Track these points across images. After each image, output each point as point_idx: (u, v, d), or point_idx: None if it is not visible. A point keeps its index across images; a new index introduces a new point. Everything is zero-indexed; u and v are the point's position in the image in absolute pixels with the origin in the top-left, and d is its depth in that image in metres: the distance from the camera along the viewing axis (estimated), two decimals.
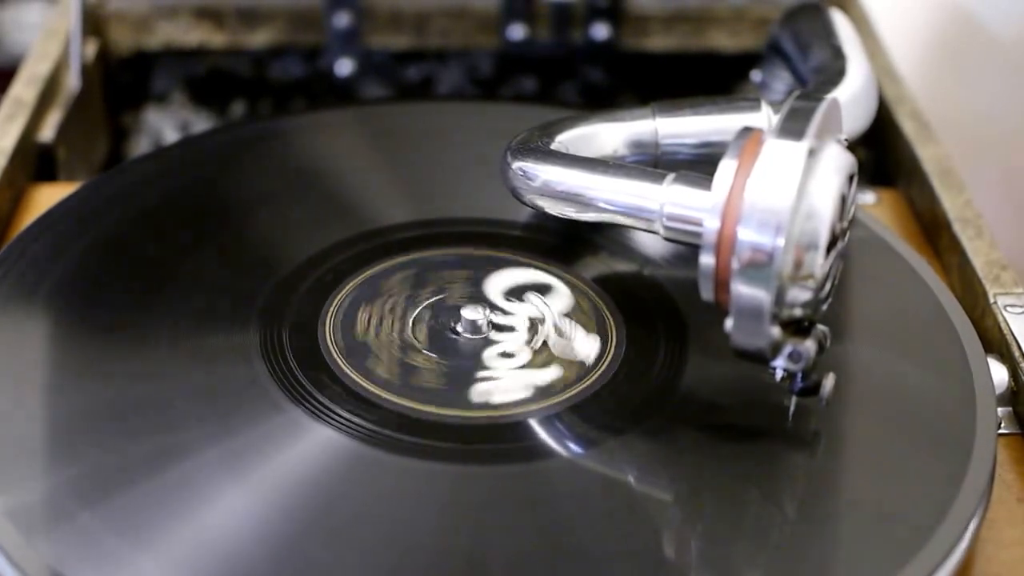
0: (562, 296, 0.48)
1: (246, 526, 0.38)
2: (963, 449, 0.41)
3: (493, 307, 0.47)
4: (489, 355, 0.45)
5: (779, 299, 0.39)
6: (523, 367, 0.44)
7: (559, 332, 0.46)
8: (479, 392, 0.43)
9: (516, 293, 0.48)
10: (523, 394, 0.43)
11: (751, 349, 0.40)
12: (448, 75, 0.73)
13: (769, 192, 0.38)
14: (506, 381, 0.44)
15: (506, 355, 0.45)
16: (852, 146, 0.57)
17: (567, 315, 0.47)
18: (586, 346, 0.45)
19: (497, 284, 0.48)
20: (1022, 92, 0.75)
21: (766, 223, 0.38)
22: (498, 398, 0.43)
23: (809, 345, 0.40)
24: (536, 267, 0.49)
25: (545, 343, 0.45)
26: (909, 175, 0.59)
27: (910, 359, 0.46)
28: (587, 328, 0.46)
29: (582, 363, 0.45)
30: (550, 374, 0.44)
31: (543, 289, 0.48)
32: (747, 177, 0.39)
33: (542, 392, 0.43)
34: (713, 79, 0.73)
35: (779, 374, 0.41)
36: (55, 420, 0.41)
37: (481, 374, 0.44)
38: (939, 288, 0.49)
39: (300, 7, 0.71)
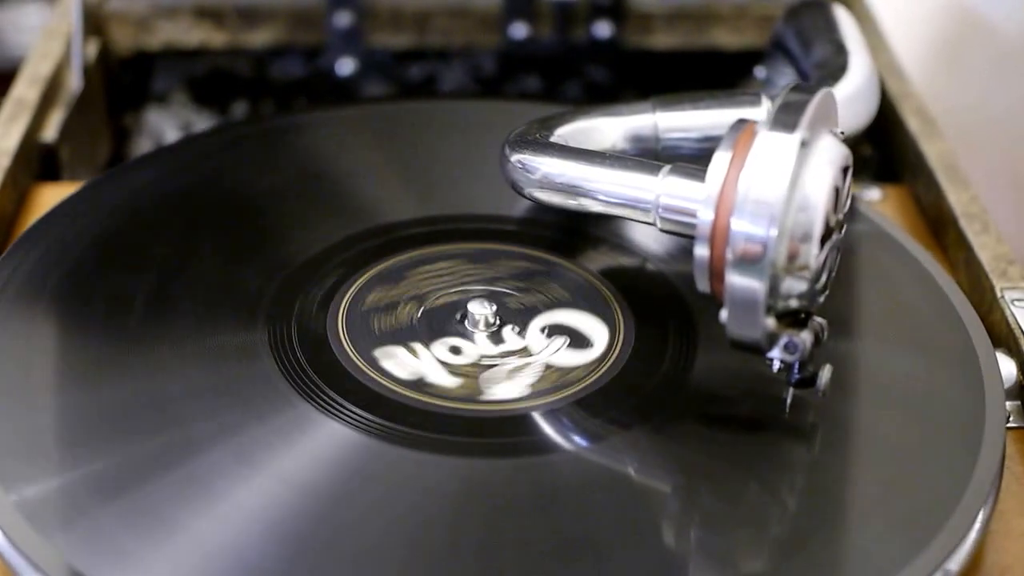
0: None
1: (258, 521, 0.38)
2: (972, 442, 0.41)
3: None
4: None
5: (774, 290, 0.39)
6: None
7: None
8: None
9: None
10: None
11: (747, 340, 0.40)
12: (450, 74, 0.73)
13: (762, 183, 0.39)
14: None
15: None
16: (857, 142, 0.57)
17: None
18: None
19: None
20: None
21: (759, 214, 0.38)
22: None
23: (805, 336, 0.40)
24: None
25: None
26: (914, 171, 0.58)
27: (918, 354, 0.46)
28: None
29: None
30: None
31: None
32: (740, 169, 0.39)
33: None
34: (716, 76, 0.72)
35: (776, 365, 0.41)
36: (66, 417, 0.41)
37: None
38: (946, 282, 0.49)
39: (301, 6, 0.71)
